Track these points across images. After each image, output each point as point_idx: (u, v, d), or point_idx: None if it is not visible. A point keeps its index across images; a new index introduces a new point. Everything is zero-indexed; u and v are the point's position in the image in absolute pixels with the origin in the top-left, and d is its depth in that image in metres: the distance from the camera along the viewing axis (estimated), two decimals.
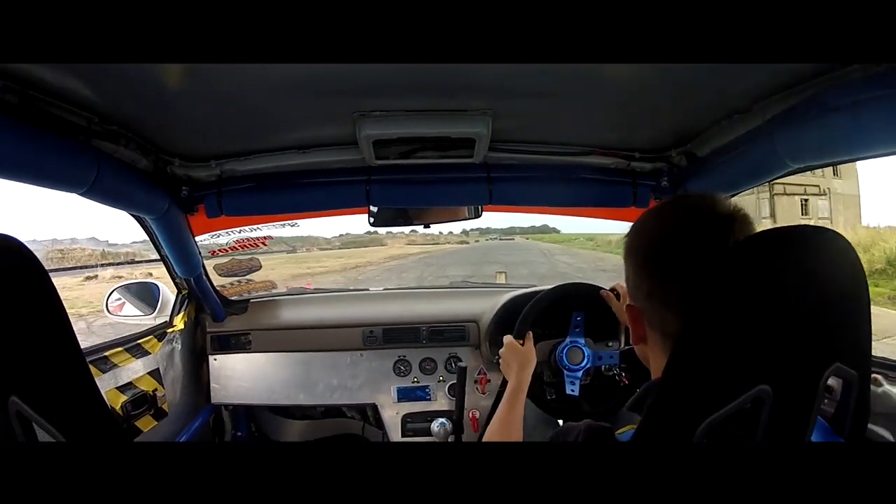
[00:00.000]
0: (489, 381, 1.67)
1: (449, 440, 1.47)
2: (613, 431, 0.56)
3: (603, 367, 1.32)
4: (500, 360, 1.15)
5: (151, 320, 1.54)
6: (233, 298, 1.78)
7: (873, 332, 0.47)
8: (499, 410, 1.03)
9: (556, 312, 1.33)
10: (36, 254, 0.48)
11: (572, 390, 1.26)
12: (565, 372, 1.28)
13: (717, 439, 0.42)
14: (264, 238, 1.63)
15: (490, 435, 1.01)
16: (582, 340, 1.29)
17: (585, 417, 1.30)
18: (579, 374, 1.28)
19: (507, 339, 1.15)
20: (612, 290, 1.07)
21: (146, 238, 1.38)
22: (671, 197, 0.58)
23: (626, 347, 1.35)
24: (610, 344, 1.45)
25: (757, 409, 0.41)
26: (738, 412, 0.41)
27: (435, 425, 1.57)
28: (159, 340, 1.47)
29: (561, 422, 1.43)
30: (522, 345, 1.12)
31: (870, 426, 0.84)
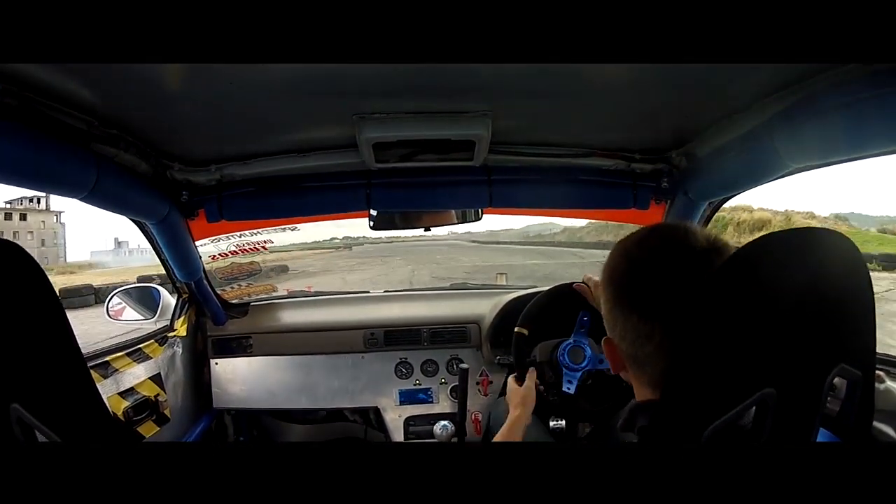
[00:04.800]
0: (491, 382, 1.66)
1: (452, 441, 1.47)
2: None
3: (606, 368, 1.31)
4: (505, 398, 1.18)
5: (152, 324, 1.54)
6: (233, 302, 1.78)
7: None
8: (498, 436, 1.06)
9: (559, 312, 1.32)
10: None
11: (568, 388, 1.26)
12: (564, 371, 1.27)
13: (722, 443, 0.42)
14: (264, 242, 1.63)
15: None
16: (585, 341, 1.28)
17: (585, 416, 1.29)
18: (579, 374, 1.27)
19: (509, 381, 1.19)
20: (584, 282, 1.07)
21: None
22: (645, 229, 0.56)
23: None
24: None
25: (762, 413, 0.41)
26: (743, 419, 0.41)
27: (437, 427, 1.57)
28: (160, 345, 1.47)
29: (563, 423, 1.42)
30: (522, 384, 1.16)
31: (874, 423, 0.84)
